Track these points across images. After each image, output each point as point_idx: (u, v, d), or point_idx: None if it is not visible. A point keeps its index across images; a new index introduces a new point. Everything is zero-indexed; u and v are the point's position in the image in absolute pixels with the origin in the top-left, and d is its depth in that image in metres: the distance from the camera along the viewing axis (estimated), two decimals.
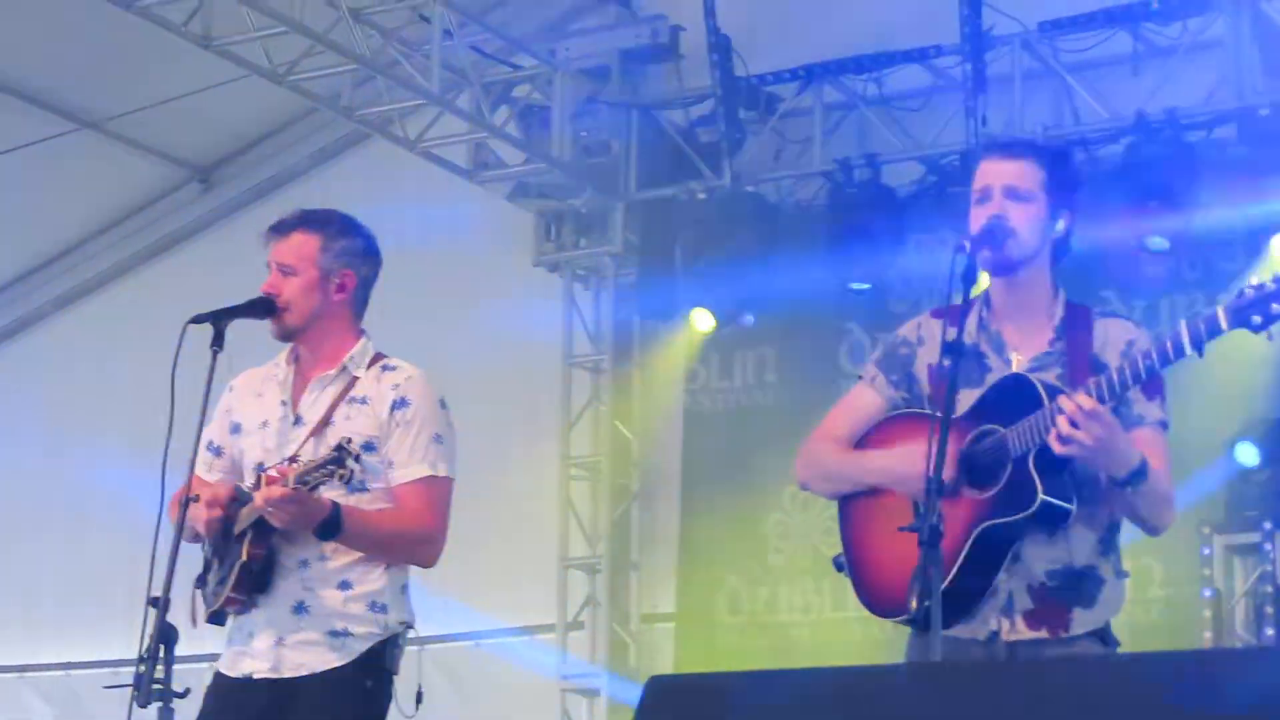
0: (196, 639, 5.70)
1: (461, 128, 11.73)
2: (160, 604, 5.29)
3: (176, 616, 5.43)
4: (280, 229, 5.98)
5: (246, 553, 5.70)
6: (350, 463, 5.47)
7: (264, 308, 5.88)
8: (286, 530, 5.72)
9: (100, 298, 13.84)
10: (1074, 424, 4.72)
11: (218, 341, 5.73)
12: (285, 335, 5.95)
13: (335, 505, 5.61)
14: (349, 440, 5.55)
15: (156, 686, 5.24)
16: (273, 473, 5.66)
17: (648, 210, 11.97)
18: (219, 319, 5.76)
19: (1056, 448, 4.81)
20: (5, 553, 13.41)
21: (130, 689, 5.28)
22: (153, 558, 5.33)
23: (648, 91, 12.06)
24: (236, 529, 5.73)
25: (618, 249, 12.06)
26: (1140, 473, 4.88)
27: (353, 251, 5.98)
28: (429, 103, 11.35)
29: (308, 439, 5.87)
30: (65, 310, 14.05)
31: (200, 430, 5.91)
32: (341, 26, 10.66)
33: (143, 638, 5.30)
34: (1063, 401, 4.81)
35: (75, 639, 12.20)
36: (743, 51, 11.39)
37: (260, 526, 5.71)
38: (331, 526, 5.61)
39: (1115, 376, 4.83)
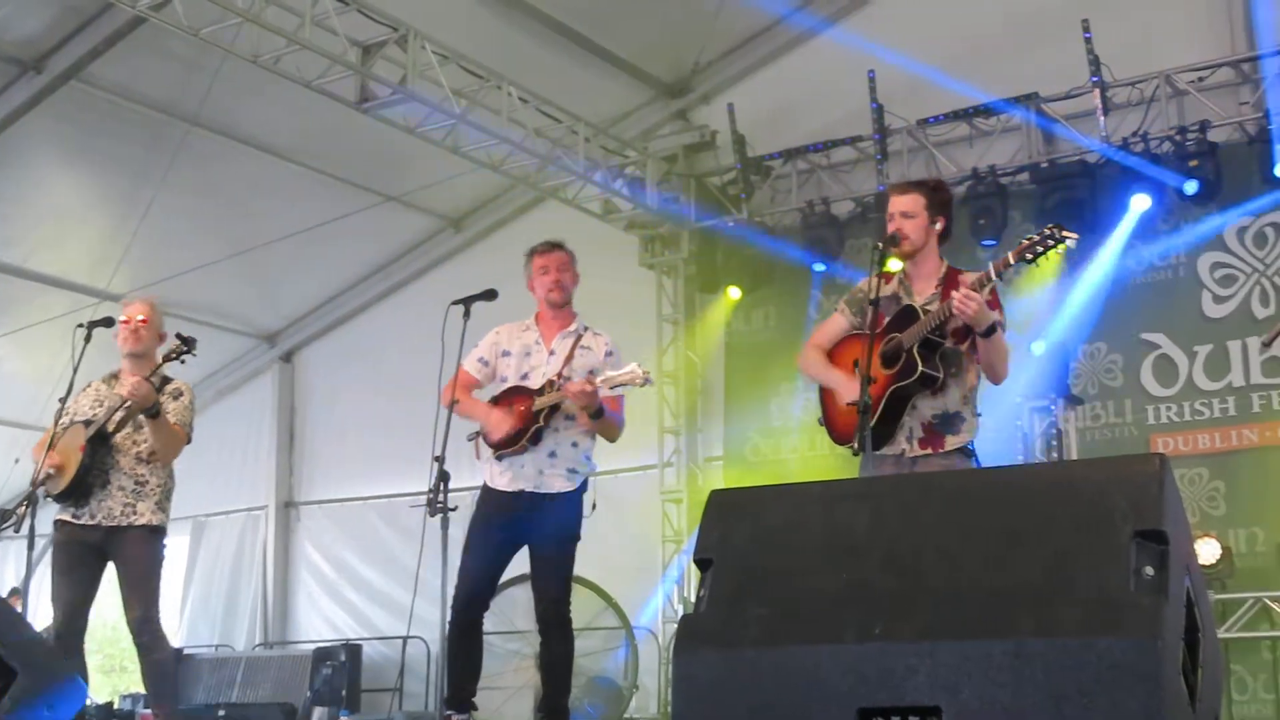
0: (466, 477, 6.26)
1: (596, 192, 12.26)
2: (439, 460, 5.83)
3: (459, 462, 5.97)
4: (554, 247, 6.53)
5: (544, 419, 6.21)
6: (641, 373, 6.14)
7: (491, 295, 6.28)
8: (581, 405, 6.15)
9: (397, 298, 14.50)
10: (965, 300, 5.09)
11: (466, 314, 6.20)
12: (563, 304, 6.49)
13: (603, 404, 6.19)
14: (639, 367, 6.19)
15: (439, 505, 5.83)
16: (576, 379, 6.22)
17: (702, 233, 12.51)
18: (468, 301, 6.23)
19: (957, 306, 5.13)
20: (354, 431, 14.28)
21: (425, 507, 5.83)
22: (435, 441, 5.90)
23: (699, 166, 12.62)
24: (534, 408, 6.24)
25: (685, 255, 12.70)
26: (994, 328, 5.21)
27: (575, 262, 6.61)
28: (578, 179, 11.96)
29: (563, 365, 6.36)
30: (367, 311, 14.82)
31: (463, 352, 6.43)
32: (529, 139, 11.15)
33: (430, 476, 5.87)
34: (955, 292, 5.16)
35: (396, 478, 13.04)
36: (752, 141, 12.05)
37: (554, 409, 6.25)
38: (598, 413, 6.19)
39: (974, 286, 5.14)
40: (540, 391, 6.30)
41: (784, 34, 12.42)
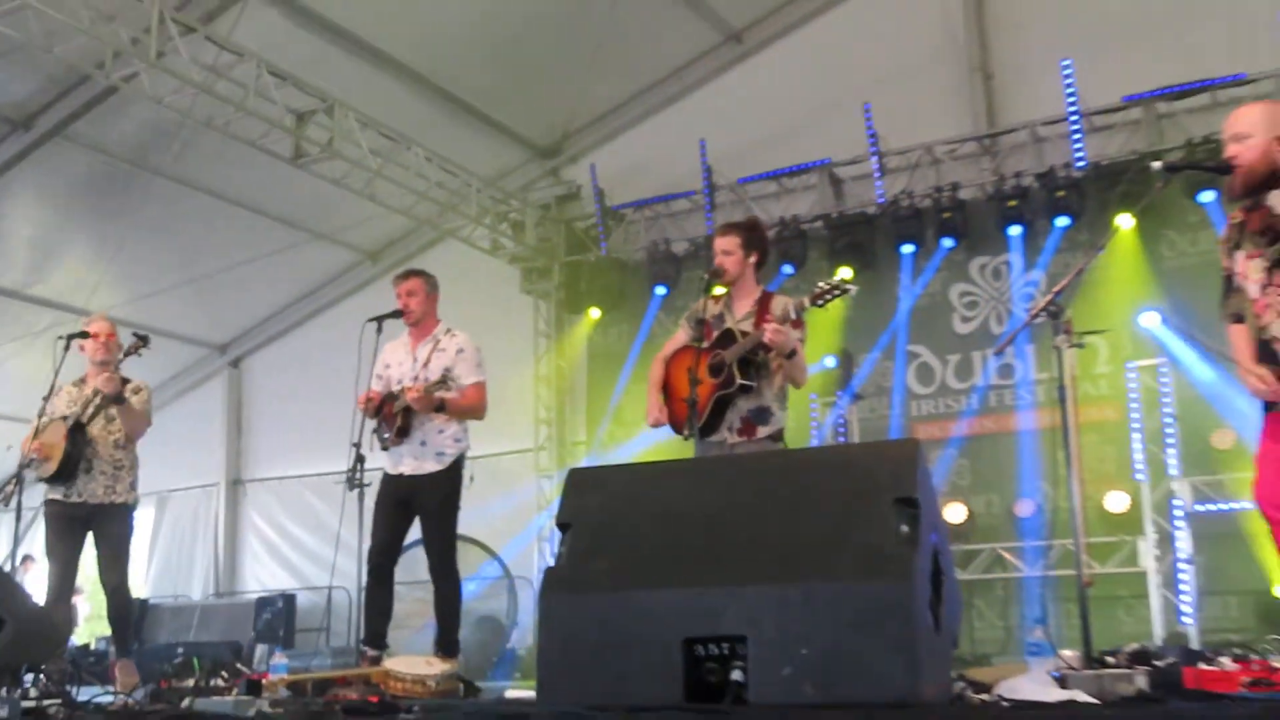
0: (379, 459, 6.22)
1: (485, 232, 12.16)
2: (357, 446, 6.03)
3: (374, 447, 6.13)
4: (405, 276, 6.38)
5: (401, 420, 6.11)
6: (448, 382, 6.01)
7: (399, 314, 6.28)
8: (418, 409, 6.09)
9: (324, 316, 14.04)
10: (774, 335, 5.13)
11: (379, 329, 6.29)
12: (413, 323, 6.31)
13: (442, 399, 6.05)
14: (448, 370, 6.09)
15: (356, 481, 6.03)
16: (411, 385, 6.11)
17: (570, 267, 12.53)
18: (381, 319, 6.31)
19: (767, 339, 5.17)
20: (290, 422, 13.91)
21: (345, 482, 6.03)
22: (354, 431, 6.07)
23: (568, 213, 12.71)
24: (394, 410, 6.13)
25: (556, 284, 12.67)
26: (795, 351, 5.26)
27: (434, 286, 6.35)
28: (471, 222, 11.85)
29: (421, 369, 6.21)
30: (295, 331, 14.44)
31: (372, 373, 6.36)
32: (432, 189, 11.15)
33: (349, 458, 6.05)
34: (767, 327, 5.18)
35: (324, 459, 12.13)
36: (609, 193, 12.22)
37: (408, 410, 6.13)
38: (440, 407, 6.06)
39: (780, 319, 5.20)
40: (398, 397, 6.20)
41: (636, 109, 12.57)
